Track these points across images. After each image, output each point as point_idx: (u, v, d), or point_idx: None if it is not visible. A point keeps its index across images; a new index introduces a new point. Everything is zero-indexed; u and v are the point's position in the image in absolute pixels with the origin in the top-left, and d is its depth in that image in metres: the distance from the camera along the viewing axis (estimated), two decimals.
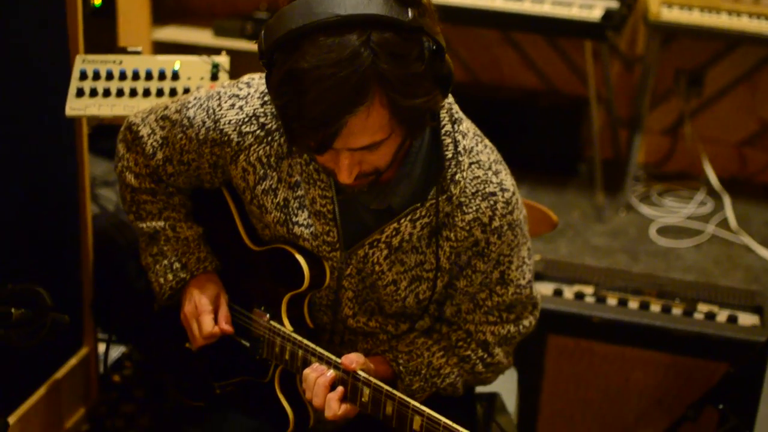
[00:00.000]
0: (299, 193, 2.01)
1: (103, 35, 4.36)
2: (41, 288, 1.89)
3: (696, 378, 2.81)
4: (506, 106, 5.19)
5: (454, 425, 1.82)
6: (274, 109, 1.96)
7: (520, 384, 2.91)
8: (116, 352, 3.45)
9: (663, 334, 2.81)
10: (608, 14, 4.50)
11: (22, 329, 1.88)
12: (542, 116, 5.19)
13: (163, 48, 5.00)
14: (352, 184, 1.87)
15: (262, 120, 2.01)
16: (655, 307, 2.88)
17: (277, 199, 2.03)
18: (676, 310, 2.87)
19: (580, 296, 2.92)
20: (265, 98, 2.00)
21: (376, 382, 1.91)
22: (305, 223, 2.01)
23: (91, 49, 2.80)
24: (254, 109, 2.01)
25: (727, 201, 4.97)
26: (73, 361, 3.10)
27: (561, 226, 2.59)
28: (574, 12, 4.52)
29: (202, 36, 5.06)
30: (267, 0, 5.11)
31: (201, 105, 2.06)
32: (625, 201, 4.94)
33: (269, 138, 2.01)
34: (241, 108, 2.02)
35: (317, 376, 1.96)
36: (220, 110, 2.03)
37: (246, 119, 2.01)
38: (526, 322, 2.15)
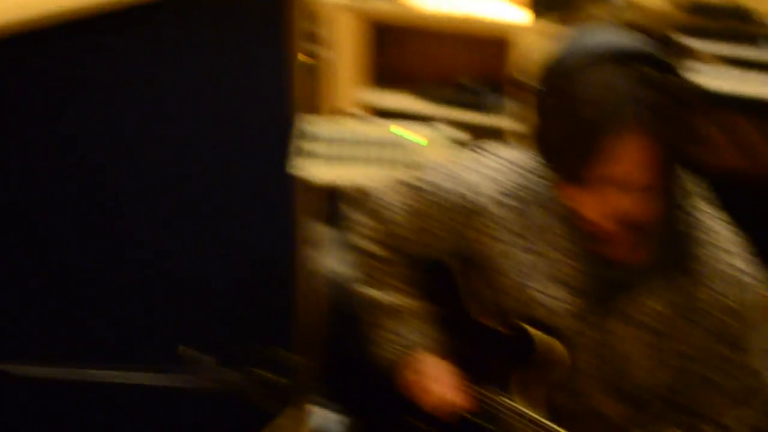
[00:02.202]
0: (541, 261, 2.00)
1: (309, 95, 4.43)
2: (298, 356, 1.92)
3: None
4: None
5: None
6: (524, 181, 2.01)
7: None
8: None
9: None
10: None
11: (272, 394, 1.91)
12: None
13: (371, 111, 4.99)
14: (612, 231, 1.82)
15: (511, 189, 2.03)
16: None
17: (517, 265, 2.03)
18: None
19: None
20: (514, 168, 2.03)
21: None
22: (543, 289, 2.01)
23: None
24: (506, 178, 2.04)
25: None
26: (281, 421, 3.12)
27: None
28: None
29: (413, 102, 5.01)
30: (478, 69, 5.02)
31: (447, 173, 2.10)
32: None
33: (518, 208, 2.02)
34: (494, 179, 2.05)
35: None
36: (469, 178, 2.06)
37: (498, 190, 2.04)
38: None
